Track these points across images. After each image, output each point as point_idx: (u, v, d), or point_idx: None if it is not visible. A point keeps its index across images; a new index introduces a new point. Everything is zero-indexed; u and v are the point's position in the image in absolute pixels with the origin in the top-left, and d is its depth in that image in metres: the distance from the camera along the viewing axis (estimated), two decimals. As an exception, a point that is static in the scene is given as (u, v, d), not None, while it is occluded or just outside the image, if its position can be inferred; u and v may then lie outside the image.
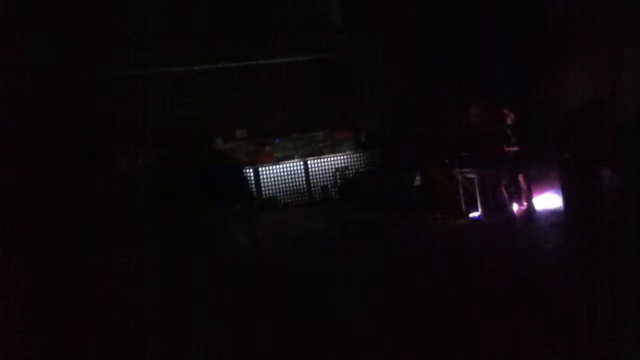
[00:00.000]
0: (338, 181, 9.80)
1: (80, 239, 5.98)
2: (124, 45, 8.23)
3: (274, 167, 9.54)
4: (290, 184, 9.58)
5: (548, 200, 7.06)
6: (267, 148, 9.81)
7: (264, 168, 9.36)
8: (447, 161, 7.98)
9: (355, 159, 9.97)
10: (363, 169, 9.85)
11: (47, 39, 7.10)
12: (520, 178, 7.02)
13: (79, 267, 5.46)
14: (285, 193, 9.61)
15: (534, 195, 7.05)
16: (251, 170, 8.99)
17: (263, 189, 9.24)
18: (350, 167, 9.88)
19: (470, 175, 7.44)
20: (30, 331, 4.03)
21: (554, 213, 6.73)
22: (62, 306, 4.47)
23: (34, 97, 6.94)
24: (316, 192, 9.81)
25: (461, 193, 7.55)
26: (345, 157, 9.97)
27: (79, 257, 5.66)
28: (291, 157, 9.89)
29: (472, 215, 7.38)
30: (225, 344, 3.69)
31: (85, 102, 7.56)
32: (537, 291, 4.33)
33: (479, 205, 7.32)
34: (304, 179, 9.68)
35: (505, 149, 7.01)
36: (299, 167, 9.69)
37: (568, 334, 3.39)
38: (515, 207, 7.09)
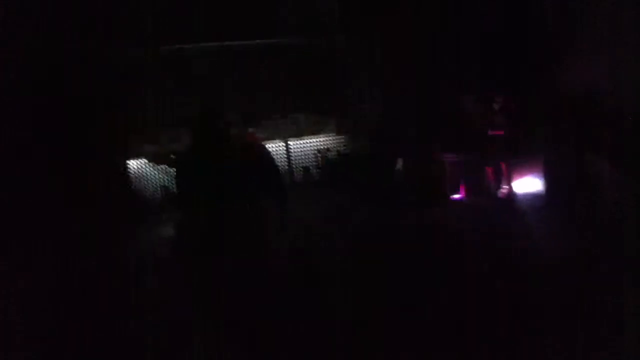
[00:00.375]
0: (319, 162, 9.78)
1: (82, 237, 5.87)
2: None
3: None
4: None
5: (529, 186, 7.24)
6: (250, 129, 9.67)
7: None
8: (430, 144, 8.05)
9: (337, 141, 9.96)
10: (345, 151, 9.84)
11: (46, 34, 6.88)
12: (502, 163, 7.18)
13: (80, 266, 5.33)
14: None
15: (515, 180, 7.23)
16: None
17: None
18: (332, 149, 9.86)
19: (453, 159, 7.55)
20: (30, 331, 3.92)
21: (534, 198, 6.93)
22: (62, 306, 4.35)
23: (33, 96, 6.72)
24: (298, 173, 9.78)
25: (444, 176, 7.67)
26: (327, 139, 9.95)
27: (79, 256, 5.54)
28: (272, 139, 9.78)
29: (454, 197, 7.53)
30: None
31: (84, 99, 7.37)
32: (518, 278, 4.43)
33: (461, 188, 7.47)
34: (285, 159, 9.64)
35: (490, 133, 7.14)
36: (281, 149, 9.63)
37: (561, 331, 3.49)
38: (497, 191, 7.26)
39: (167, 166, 8.57)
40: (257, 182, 3.92)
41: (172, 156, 8.59)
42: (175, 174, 4.21)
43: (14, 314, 4.12)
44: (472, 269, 4.73)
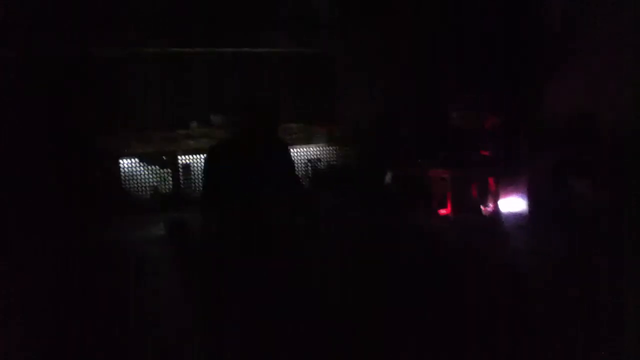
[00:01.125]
0: (309, 172, 9.90)
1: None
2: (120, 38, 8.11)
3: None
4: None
5: (516, 204, 7.47)
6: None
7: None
8: (419, 160, 8.25)
9: (329, 151, 10.11)
10: (336, 162, 9.99)
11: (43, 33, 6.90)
12: (490, 181, 7.40)
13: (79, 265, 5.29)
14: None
15: (503, 198, 7.45)
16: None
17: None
18: (322, 160, 10.01)
19: (443, 175, 7.75)
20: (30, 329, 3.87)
21: (520, 216, 7.16)
22: (63, 306, 4.31)
23: (29, 95, 6.72)
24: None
25: (433, 192, 7.86)
26: (318, 149, 10.09)
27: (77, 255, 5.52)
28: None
29: (441, 213, 7.72)
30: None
31: (80, 94, 7.39)
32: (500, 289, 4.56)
33: (449, 204, 7.66)
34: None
35: (482, 152, 7.37)
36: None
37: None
38: (483, 208, 7.48)
39: (159, 167, 8.59)
40: (281, 178, 3.87)
41: (163, 157, 8.60)
42: (205, 170, 4.02)
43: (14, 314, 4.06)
44: (459, 285, 4.80)
